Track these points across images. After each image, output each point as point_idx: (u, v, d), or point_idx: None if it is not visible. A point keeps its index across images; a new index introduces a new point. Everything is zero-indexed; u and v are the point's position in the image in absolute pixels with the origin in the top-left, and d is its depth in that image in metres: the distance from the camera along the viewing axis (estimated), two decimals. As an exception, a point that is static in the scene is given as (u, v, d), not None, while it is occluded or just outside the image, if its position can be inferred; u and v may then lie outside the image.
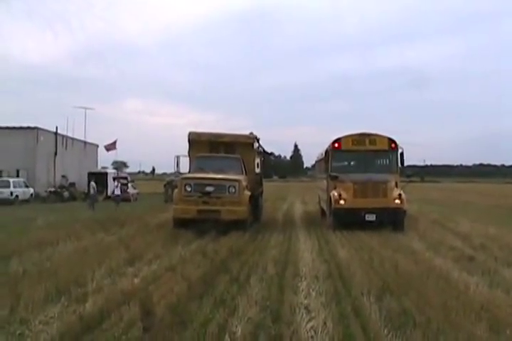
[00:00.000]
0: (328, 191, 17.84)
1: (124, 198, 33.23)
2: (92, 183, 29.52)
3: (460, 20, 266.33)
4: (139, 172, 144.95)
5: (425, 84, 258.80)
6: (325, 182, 18.84)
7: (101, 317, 6.17)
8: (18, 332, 5.70)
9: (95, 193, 29.31)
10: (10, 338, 5.47)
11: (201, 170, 16.76)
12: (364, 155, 17.55)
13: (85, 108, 51.43)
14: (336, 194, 16.74)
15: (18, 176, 36.90)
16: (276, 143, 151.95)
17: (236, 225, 15.03)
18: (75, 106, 72.34)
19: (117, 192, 30.50)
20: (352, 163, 18.62)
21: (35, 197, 35.79)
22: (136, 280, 8.35)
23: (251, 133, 19.49)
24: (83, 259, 10.14)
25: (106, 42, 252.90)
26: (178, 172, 18.25)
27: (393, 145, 17.59)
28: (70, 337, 5.44)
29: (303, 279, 8.72)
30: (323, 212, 20.72)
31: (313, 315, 6.44)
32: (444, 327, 5.73)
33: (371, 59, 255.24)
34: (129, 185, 41.12)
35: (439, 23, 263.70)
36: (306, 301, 7.15)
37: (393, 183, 16.96)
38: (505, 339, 5.55)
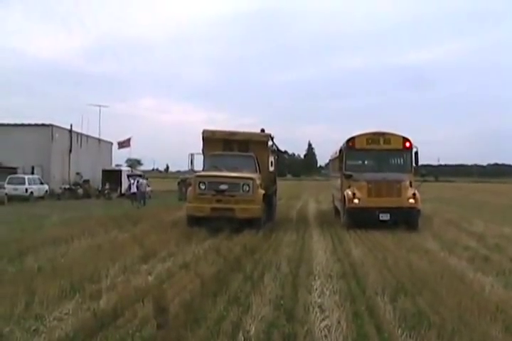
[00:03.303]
0: (342, 190, 17.79)
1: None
2: (137, 180, 30.49)
3: (471, 17, 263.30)
4: (153, 169, 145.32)
5: (439, 81, 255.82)
6: (339, 181, 18.77)
7: (115, 314, 6.19)
8: (33, 328, 5.75)
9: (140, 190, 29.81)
10: (25, 334, 5.50)
11: (215, 168, 16.76)
12: (378, 154, 17.48)
13: (99, 105, 51.82)
14: (350, 193, 16.67)
15: (33, 173, 37.07)
16: (290, 141, 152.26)
17: (250, 223, 15.01)
18: (89, 104, 73.36)
19: (133, 189, 30.57)
20: (366, 162, 18.56)
21: (50, 194, 36.03)
22: (150, 278, 8.40)
23: (262, 130, 19.44)
24: (97, 256, 10.20)
25: (119, 39, 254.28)
26: (192, 170, 18.24)
27: (408, 144, 17.51)
28: (84, 334, 5.47)
29: (317, 278, 8.70)
30: (337, 210, 20.67)
31: (327, 314, 6.42)
32: (459, 328, 5.68)
33: (384, 56, 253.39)
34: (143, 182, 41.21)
35: (451, 21, 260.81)
36: (319, 300, 7.14)
37: (407, 182, 16.88)
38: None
